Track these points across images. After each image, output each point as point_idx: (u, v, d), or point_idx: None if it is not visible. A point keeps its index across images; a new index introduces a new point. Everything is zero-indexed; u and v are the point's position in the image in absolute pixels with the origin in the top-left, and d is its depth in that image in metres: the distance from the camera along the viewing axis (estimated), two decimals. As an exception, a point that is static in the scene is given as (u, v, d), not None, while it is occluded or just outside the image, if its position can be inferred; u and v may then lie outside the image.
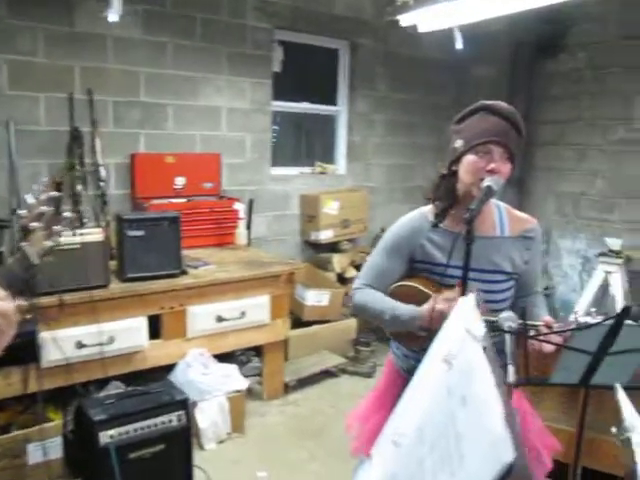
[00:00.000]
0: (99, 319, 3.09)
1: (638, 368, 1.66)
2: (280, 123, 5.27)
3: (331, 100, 5.45)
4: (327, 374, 4.48)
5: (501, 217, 1.89)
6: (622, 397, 1.22)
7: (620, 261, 4.84)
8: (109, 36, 4.02)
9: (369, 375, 4.49)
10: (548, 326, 1.70)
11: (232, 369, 3.64)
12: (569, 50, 5.36)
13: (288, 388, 4.18)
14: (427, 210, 1.90)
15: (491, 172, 1.70)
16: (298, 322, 4.59)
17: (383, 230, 5.84)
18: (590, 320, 1.54)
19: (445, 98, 6.01)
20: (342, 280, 5.07)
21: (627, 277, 5.02)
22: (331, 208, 4.99)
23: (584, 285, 5.21)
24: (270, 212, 4.99)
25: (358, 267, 5.18)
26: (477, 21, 3.95)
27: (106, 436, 2.58)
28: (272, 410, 3.96)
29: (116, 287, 3.24)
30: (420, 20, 3.99)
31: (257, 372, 4.18)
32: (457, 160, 1.79)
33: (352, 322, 4.75)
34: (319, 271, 5.01)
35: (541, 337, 1.69)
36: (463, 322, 1.04)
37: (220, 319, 3.60)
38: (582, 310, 5.00)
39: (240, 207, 4.32)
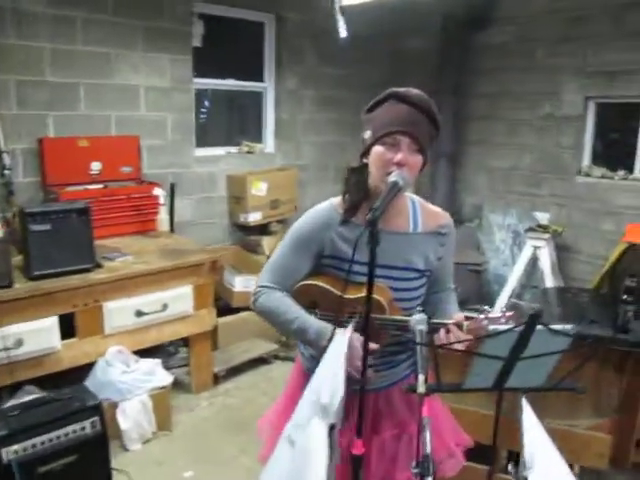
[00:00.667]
0: (3, 322, 2.86)
1: (552, 369, 1.62)
2: (209, 101, 5.04)
3: (258, 76, 5.24)
4: (259, 361, 4.38)
5: (415, 212, 1.80)
6: (527, 419, 1.15)
7: (547, 236, 4.91)
8: (8, 9, 3.67)
9: (302, 360, 4.41)
10: (458, 324, 1.64)
11: (156, 364, 3.48)
12: (498, 23, 5.32)
13: (218, 378, 4.06)
14: (337, 202, 1.78)
15: (398, 165, 1.60)
16: (227, 309, 4.45)
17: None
18: (500, 327, 1.48)
19: (377, 72, 5.88)
20: (274, 263, 4.94)
21: (555, 251, 5.12)
22: (259, 189, 4.83)
23: (515, 259, 5.27)
24: (196, 195, 4.79)
25: (290, 249, 5.06)
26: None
27: (9, 452, 2.39)
28: (202, 403, 3.83)
29: (22, 286, 3.00)
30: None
31: (186, 362, 4.05)
32: (367, 152, 1.68)
33: (284, 306, 4.64)
34: (249, 254, 4.86)
35: (452, 341, 1.64)
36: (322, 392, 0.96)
37: (140, 313, 3.42)
38: (511, 287, 5.07)
39: (160, 192, 4.10)
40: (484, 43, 5.38)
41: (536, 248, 4.91)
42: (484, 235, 5.68)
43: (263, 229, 5.02)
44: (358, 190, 1.72)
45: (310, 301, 1.77)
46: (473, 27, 5.39)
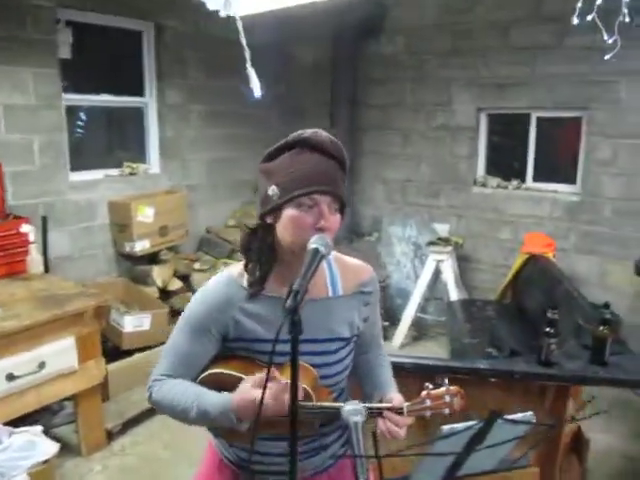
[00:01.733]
0: None
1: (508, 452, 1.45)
2: (83, 119, 4.50)
3: (138, 90, 4.77)
4: (157, 407, 3.94)
5: (332, 273, 1.54)
6: None
7: (449, 249, 4.88)
8: None
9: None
10: (397, 410, 1.42)
11: (35, 434, 2.97)
12: (388, 34, 5.22)
13: (112, 435, 3.60)
14: (237, 272, 1.49)
15: (320, 230, 1.34)
16: (116, 352, 3.98)
17: (209, 232, 5.48)
18: (456, 426, 1.28)
19: (269, 83, 5.60)
20: (166, 294, 4.52)
21: (456, 262, 5.10)
22: (145, 215, 4.38)
23: (417, 272, 5.21)
24: (73, 225, 4.25)
25: (182, 278, 4.67)
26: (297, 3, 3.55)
27: None
28: (94, 467, 3.36)
29: None
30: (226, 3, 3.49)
31: (73, 419, 3.54)
32: (272, 211, 1.39)
33: (182, 343, 4.24)
34: (138, 287, 4.41)
35: (392, 430, 1.42)
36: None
37: (11, 377, 2.90)
38: (416, 302, 4.99)
39: (29, 228, 3.56)
40: (376, 53, 5.27)
41: (439, 262, 4.86)
42: (384, 248, 5.57)
43: (152, 258, 4.59)
44: (265, 258, 1.44)
45: (219, 392, 1.46)
46: (365, 37, 5.26)
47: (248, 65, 2.58)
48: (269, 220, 1.41)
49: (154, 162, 4.92)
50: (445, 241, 4.93)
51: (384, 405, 1.44)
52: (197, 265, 4.85)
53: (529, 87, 4.67)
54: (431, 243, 4.94)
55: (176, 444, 3.52)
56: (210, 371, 1.46)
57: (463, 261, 5.18)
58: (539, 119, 4.82)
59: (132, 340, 4.00)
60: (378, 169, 5.60)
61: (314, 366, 1.44)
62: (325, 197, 1.35)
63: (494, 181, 5.07)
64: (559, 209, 4.71)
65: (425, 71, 5.11)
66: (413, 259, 5.41)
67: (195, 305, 1.49)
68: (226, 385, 1.42)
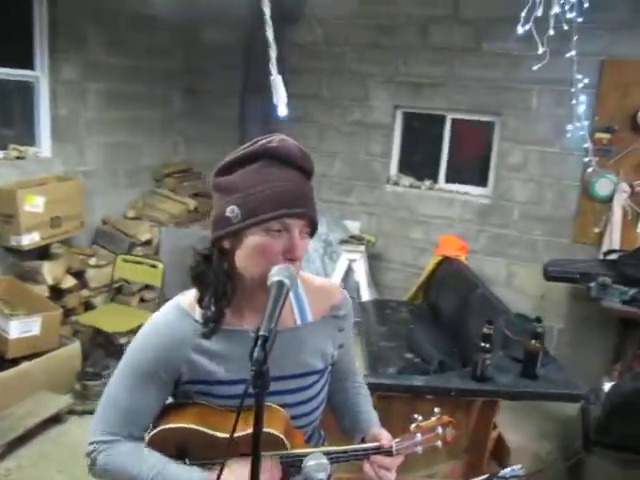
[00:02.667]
0: None
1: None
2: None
3: (27, 63, 4.22)
4: (50, 422, 3.53)
5: (298, 297, 1.34)
6: None
7: (362, 248, 4.81)
8: None
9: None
10: (386, 450, 1.25)
11: None
12: (307, 22, 5.01)
13: (-6, 457, 3.16)
14: (188, 303, 1.26)
15: (290, 260, 1.14)
16: (1, 360, 3.52)
17: (105, 223, 5.02)
18: None
19: (174, 64, 5.22)
20: (58, 293, 4.07)
21: (368, 260, 5.04)
22: (35, 205, 3.90)
23: (326, 269, 5.09)
24: (-53, 215, 3.69)
25: (76, 275, 4.22)
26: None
27: None
28: (-28, 496, 2.93)
29: None
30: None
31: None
32: (231, 235, 1.17)
33: (75, 348, 3.84)
34: (26, 285, 3.92)
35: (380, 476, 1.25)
36: None
37: None
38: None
39: None
40: (293, 42, 5.03)
41: (351, 261, 4.77)
42: (294, 244, 5.41)
43: (43, 253, 4.10)
44: (222, 290, 1.21)
45: (177, 448, 1.23)
46: (282, 23, 4.99)
47: (273, 70, 2.17)
48: (226, 245, 1.19)
49: (45, 145, 4.38)
50: (358, 239, 4.85)
51: (371, 446, 1.27)
52: (93, 261, 4.40)
53: (445, 88, 4.67)
54: (344, 242, 4.84)
55: (71, 465, 3.15)
56: (163, 427, 1.22)
57: (374, 260, 5.12)
58: (454, 121, 4.84)
59: (19, 347, 3.55)
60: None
61: (285, 406, 1.24)
62: (298, 221, 1.15)
63: (407, 180, 5.05)
64: (470, 211, 4.77)
65: (343, 64, 4.96)
66: (323, 256, 5.29)
67: (140, 350, 1.23)
68: (182, 440, 1.20)
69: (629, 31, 4.05)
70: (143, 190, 5.17)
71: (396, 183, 5.08)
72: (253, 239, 1.14)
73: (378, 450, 1.26)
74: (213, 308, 1.21)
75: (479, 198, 4.80)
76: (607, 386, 2.93)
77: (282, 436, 1.19)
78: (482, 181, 4.85)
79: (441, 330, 3.86)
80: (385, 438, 1.28)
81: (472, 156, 5.08)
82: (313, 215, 1.18)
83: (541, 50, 3.18)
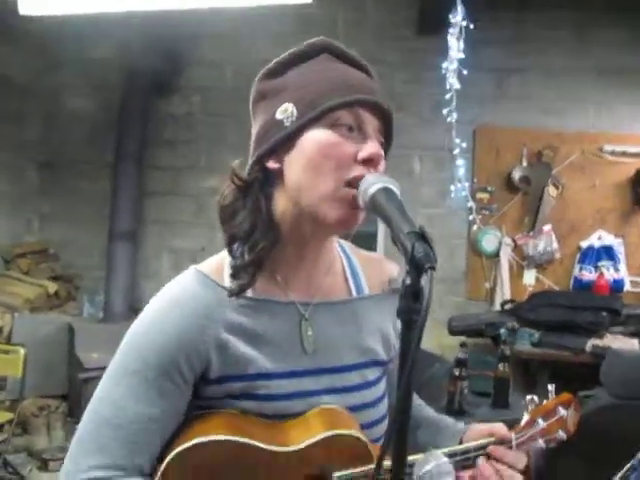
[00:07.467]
0: None
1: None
2: None
3: None
4: None
5: (351, 264, 1.04)
6: None
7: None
8: None
9: None
10: (503, 441, 0.96)
11: None
12: (184, 92, 4.87)
13: None
14: (211, 267, 0.92)
15: (368, 163, 0.86)
16: None
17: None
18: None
19: (30, 133, 4.72)
20: None
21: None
22: None
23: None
24: None
25: None
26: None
27: None
28: None
29: None
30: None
31: None
32: (282, 146, 0.88)
33: None
34: None
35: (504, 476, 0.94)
36: None
37: None
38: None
39: None
40: (168, 112, 4.83)
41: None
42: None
43: None
44: (262, 231, 0.88)
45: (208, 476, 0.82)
46: (158, 93, 4.81)
47: None
48: (273, 164, 0.89)
49: None
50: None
51: (486, 441, 0.95)
52: None
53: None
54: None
55: None
56: (184, 446, 0.80)
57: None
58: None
59: None
60: (164, 238, 5.01)
61: (350, 410, 0.93)
62: (371, 118, 0.88)
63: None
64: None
65: (221, 132, 4.83)
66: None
67: (144, 332, 0.87)
68: (216, 466, 0.80)
69: (495, 102, 4.46)
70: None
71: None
72: (314, 138, 0.85)
73: (500, 441, 0.95)
74: (247, 257, 0.87)
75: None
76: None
77: (366, 440, 0.88)
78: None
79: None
80: (500, 429, 0.97)
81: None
82: (388, 110, 0.91)
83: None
